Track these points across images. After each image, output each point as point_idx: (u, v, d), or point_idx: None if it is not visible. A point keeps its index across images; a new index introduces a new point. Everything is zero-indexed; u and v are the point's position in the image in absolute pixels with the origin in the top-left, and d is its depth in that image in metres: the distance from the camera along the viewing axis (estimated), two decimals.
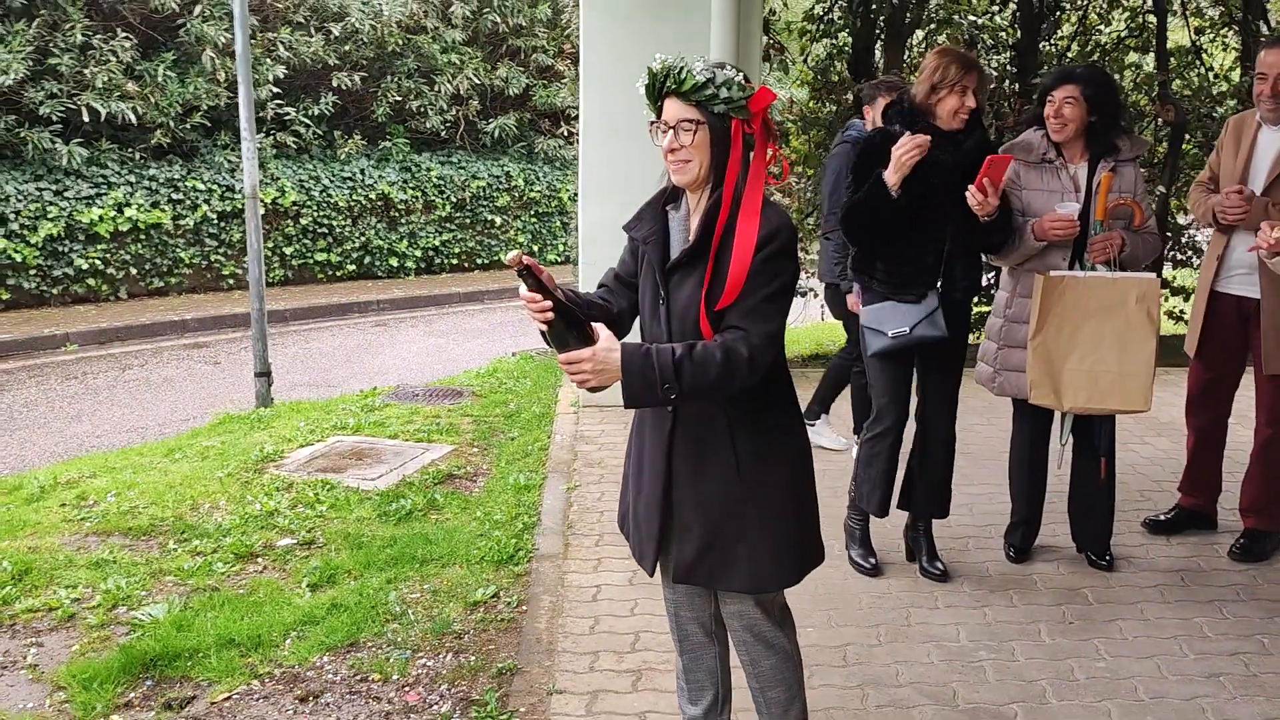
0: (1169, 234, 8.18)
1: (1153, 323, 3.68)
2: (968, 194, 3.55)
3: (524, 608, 3.75)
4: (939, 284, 3.74)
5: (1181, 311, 8.20)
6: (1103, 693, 3.18)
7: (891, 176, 3.51)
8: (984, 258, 4.00)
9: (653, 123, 2.33)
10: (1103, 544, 4.09)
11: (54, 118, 10.32)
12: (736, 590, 2.43)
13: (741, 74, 2.29)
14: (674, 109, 2.28)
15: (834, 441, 5.58)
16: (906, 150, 3.46)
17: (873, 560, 4.07)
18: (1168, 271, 8.37)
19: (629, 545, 2.57)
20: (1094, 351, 3.69)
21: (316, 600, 3.78)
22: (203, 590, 3.88)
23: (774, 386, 2.38)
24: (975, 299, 4.13)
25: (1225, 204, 3.88)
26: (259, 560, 4.17)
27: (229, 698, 3.20)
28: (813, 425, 5.51)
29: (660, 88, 2.29)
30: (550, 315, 2.15)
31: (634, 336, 2.48)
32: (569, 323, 2.19)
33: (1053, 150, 3.82)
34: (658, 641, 3.47)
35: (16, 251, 10.17)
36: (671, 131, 2.28)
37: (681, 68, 2.26)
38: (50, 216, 10.35)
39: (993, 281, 6.75)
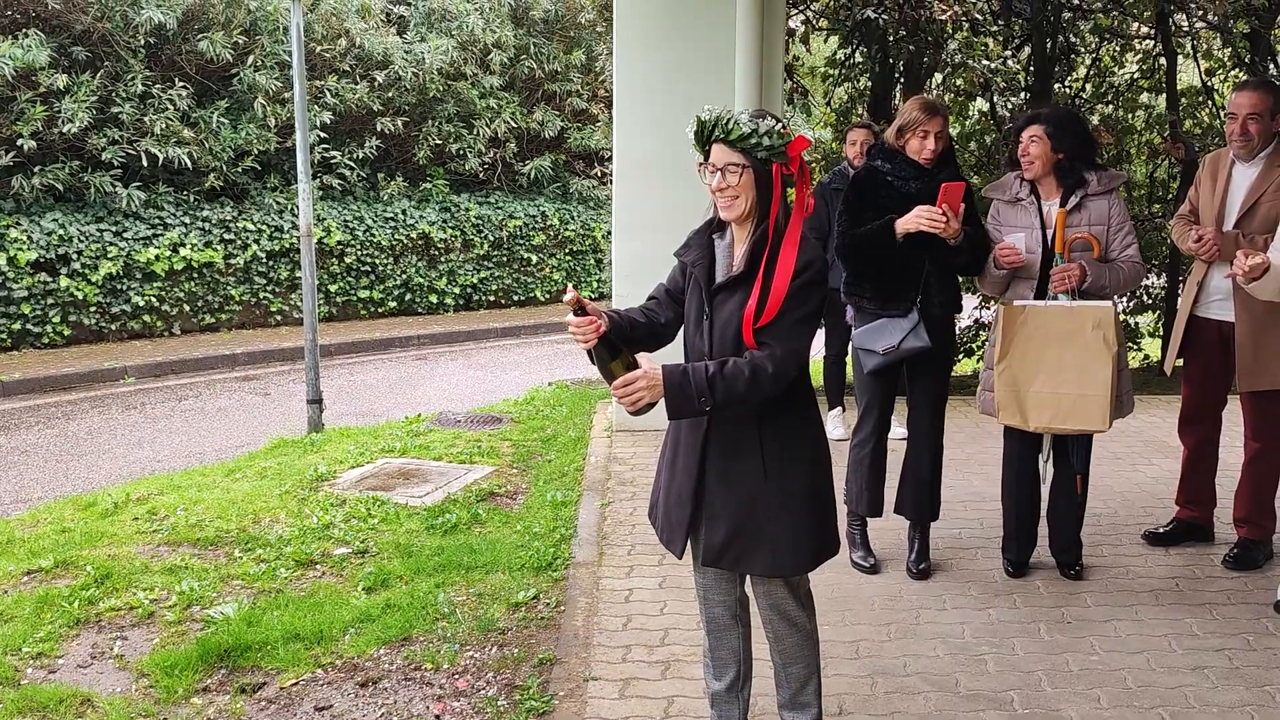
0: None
1: (1109, 348, 3.90)
2: (925, 214, 3.85)
3: (562, 608, 4.07)
4: (919, 300, 4.10)
5: None
6: (1094, 682, 3.45)
7: (901, 228, 3.90)
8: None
9: (701, 164, 2.65)
10: (1071, 554, 4.32)
11: (115, 163, 10.88)
12: (758, 574, 2.75)
13: (781, 124, 2.60)
14: (721, 153, 2.59)
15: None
16: (927, 221, 3.83)
17: (872, 560, 4.39)
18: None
19: (655, 532, 2.90)
20: (1056, 375, 3.95)
21: (372, 601, 4.13)
22: (268, 592, 4.24)
23: (798, 396, 2.70)
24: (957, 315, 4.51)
25: (1196, 249, 4.20)
26: (318, 567, 4.52)
27: (296, 683, 3.55)
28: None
29: (709, 135, 2.60)
30: (593, 340, 2.52)
31: (676, 347, 2.84)
32: (613, 353, 2.55)
33: (1024, 190, 4.13)
34: (685, 638, 3.78)
35: (78, 289, 10.71)
36: (720, 173, 2.60)
37: (729, 119, 2.56)
38: (110, 256, 10.89)
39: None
